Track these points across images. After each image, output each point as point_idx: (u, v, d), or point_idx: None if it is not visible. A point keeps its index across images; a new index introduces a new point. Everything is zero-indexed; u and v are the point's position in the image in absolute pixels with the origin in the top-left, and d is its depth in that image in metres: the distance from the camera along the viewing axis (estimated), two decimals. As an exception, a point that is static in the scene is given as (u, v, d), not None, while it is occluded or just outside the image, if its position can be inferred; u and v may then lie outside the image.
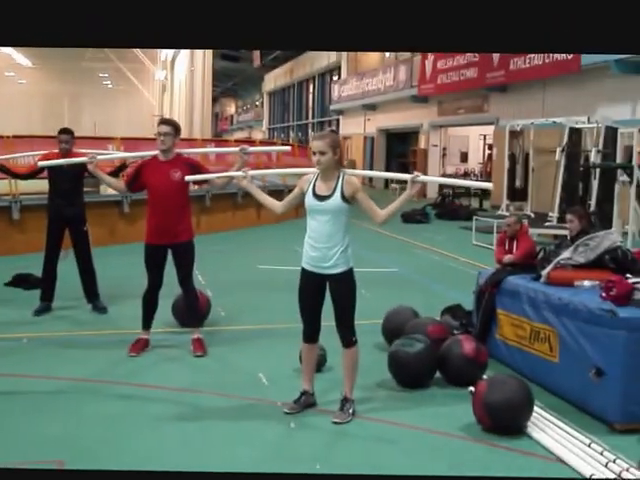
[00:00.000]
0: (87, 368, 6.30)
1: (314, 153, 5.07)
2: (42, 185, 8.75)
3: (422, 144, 30.11)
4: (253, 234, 16.63)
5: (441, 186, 24.17)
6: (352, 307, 5.19)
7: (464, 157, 31.10)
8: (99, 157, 7.14)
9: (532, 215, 16.90)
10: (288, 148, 8.23)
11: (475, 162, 30.40)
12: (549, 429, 4.96)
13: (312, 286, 5.21)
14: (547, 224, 15.20)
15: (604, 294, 5.39)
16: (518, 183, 18.87)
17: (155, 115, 50.44)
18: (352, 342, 5.21)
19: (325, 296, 5.23)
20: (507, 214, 16.85)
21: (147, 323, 6.82)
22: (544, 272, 6.21)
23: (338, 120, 40.11)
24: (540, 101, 21.23)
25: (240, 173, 5.68)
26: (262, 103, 58.40)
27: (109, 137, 15.96)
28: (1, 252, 11.76)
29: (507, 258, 8.15)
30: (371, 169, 31.49)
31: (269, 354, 6.83)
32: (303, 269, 5.24)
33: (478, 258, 12.76)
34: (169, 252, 6.69)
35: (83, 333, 7.53)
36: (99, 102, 54.59)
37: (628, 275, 5.60)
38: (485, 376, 5.89)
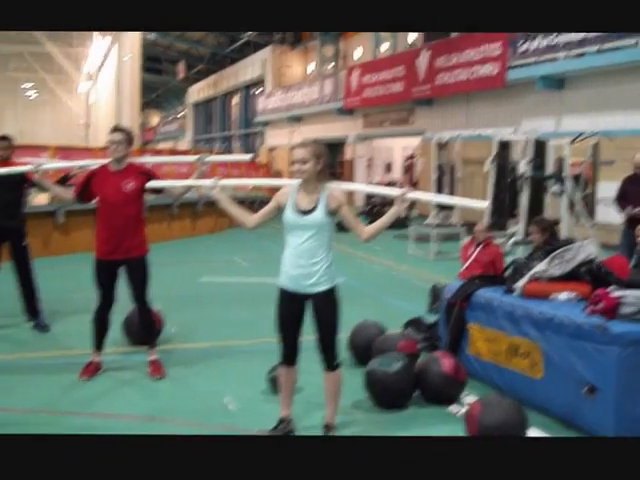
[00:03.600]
0: (36, 396, 5.72)
1: (295, 162, 4.72)
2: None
3: (348, 155, 30.25)
4: (189, 245, 16.28)
5: (368, 195, 24.12)
6: (336, 327, 4.83)
7: (389, 168, 31.32)
8: (44, 166, 6.64)
9: (460, 224, 17.02)
10: (248, 157, 7.90)
11: (399, 172, 30.61)
12: (545, 450, 4.73)
13: (293, 306, 4.81)
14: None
15: (590, 308, 5.22)
16: (446, 193, 18.95)
17: (80, 124, 49.28)
18: (335, 365, 4.86)
19: (305, 315, 4.86)
20: (436, 223, 17.07)
21: (99, 344, 6.31)
22: (519, 285, 6.00)
23: (263, 132, 39.95)
24: (465, 114, 21.51)
25: (210, 182, 5.26)
26: (186, 115, 57.85)
27: (43, 145, 15.24)
28: None
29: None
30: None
31: (231, 375, 6.41)
32: (282, 288, 4.85)
33: (419, 267, 12.74)
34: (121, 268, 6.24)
35: (26, 355, 6.94)
36: (22, 112, 53.11)
37: (611, 288, 5.43)
38: (466, 393, 5.70)
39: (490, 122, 19.41)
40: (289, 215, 4.72)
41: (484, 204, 5.00)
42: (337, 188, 4.88)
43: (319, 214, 4.67)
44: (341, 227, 4.84)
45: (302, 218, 4.67)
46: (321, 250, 4.71)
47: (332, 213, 4.70)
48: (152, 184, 6.07)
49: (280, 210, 4.82)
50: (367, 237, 4.80)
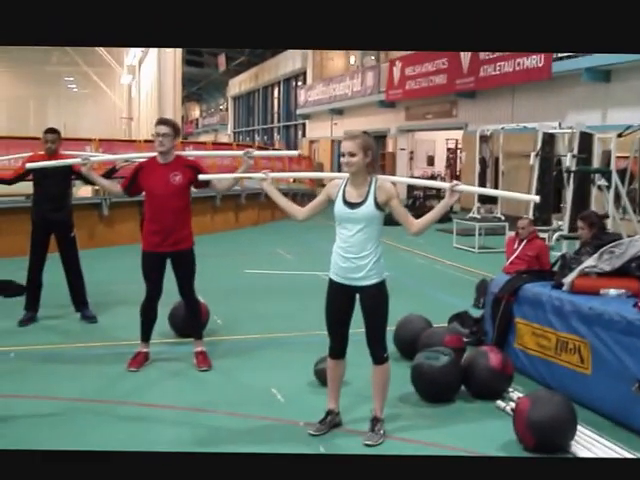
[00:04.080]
0: (85, 386, 5.81)
1: (343, 155, 4.71)
2: (17, 187, 8.33)
3: (390, 148, 30.17)
4: (233, 237, 16.34)
5: (410, 187, 23.99)
6: (384, 321, 4.82)
7: (430, 161, 31.13)
8: (92, 159, 6.70)
9: (502, 217, 16.88)
10: (295, 153, 7.73)
11: (441, 165, 30.43)
12: (595, 447, 4.66)
13: (341, 299, 4.80)
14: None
15: (640, 304, 5.14)
16: (488, 186, 18.82)
17: (123, 117, 49.69)
18: (384, 358, 4.84)
19: (354, 309, 4.86)
20: (478, 216, 16.96)
21: (146, 335, 6.36)
22: (567, 280, 5.93)
23: (304, 124, 39.97)
24: (509, 107, 21.32)
25: (261, 175, 5.27)
26: (227, 107, 58.01)
27: (87, 138, 15.41)
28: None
29: None
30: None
31: (277, 367, 6.43)
32: (331, 280, 4.84)
33: (463, 261, 12.69)
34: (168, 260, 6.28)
35: (75, 345, 7.03)
36: (64, 105, 53.70)
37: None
38: (512, 389, 5.65)
39: (535, 115, 19.18)
40: (339, 208, 4.71)
41: (535, 198, 4.93)
42: (387, 180, 4.84)
43: (369, 207, 4.64)
44: (386, 220, 4.79)
45: (352, 211, 4.66)
46: (370, 243, 4.68)
47: (382, 206, 4.67)
48: (202, 177, 6.08)
49: (330, 202, 4.82)
50: (417, 230, 4.76)
